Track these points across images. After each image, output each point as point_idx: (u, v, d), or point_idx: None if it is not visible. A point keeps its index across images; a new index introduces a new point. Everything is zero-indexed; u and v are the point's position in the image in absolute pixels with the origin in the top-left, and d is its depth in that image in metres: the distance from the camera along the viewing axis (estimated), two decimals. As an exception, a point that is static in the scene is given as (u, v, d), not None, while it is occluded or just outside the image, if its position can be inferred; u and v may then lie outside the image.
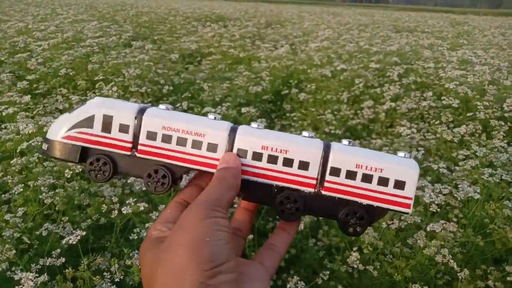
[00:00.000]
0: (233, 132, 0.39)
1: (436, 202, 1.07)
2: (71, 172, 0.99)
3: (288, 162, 0.38)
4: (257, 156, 0.38)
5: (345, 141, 0.40)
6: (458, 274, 1.00)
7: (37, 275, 0.76)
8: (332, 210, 0.39)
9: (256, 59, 3.03)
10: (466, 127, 1.55)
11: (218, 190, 0.36)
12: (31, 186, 1.00)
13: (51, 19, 3.99)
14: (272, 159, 0.38)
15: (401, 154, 0.40)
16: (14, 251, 0.80)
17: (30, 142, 1.10)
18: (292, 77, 2.62)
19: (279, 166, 0.38)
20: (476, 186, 1.06)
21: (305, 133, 0.40)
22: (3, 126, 1.30)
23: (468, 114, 1.71)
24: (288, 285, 1.00)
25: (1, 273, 0.81)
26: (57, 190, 0.93)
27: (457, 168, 1.38)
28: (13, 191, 0.96)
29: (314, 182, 0.39)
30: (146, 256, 0.35)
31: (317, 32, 4.17)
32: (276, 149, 0.38)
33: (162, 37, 3.69)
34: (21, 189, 0.92)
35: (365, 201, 0.39)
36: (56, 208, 0.95)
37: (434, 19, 7.30)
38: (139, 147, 0.38)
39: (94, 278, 0.77)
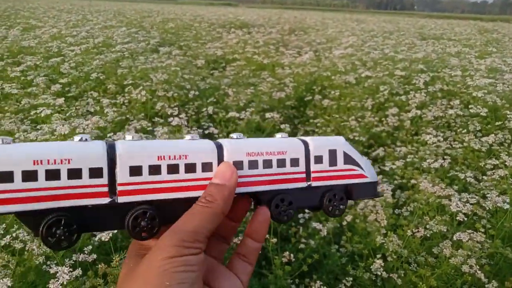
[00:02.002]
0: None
1: (463, 211, 1.06)
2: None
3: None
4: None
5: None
6: (486, 286, 0.98)
7: (71, 269, 0.80)
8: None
9: (280, 66, 3.05)
10: (494, 136, 1.52)
11: (200, 219, 0.32)
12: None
13: (82, 25, 4.14)
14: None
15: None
16: (50, 246, 0.84)
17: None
18: (315, 83, 2.63)
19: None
20: (506, 196, 1.04)
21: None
22: (38, 127, 1.36)
23: (497, 123, 1.68)
24: (311, 290, 1.01)
25: (38, 266, 0.85)
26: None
27: (484, 177, 1.36)
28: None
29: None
30: (124, 264, 0.34)
31: (340, 39, 4.17)
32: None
33: (188, 43, 3.77)
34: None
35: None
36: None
37: (461, 27, 7.16)
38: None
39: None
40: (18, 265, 0.84)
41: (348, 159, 0.42)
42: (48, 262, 0.86)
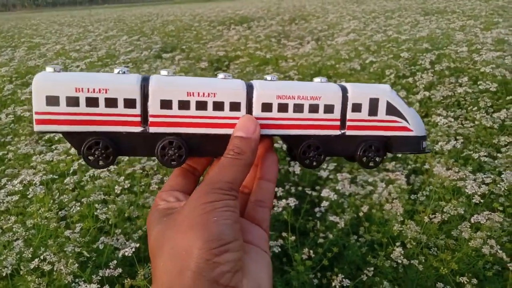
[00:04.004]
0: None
1: (479, 193, 1.05)
2: (120, 187, 1.05)
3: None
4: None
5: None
6: (509, 265, 0.98)
7: (98, 286, 0.83)
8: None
9: (283, 58, 3.04)
10: (506, 111, 1.50)
11: (233, 170, 0.34)
12: (85, 202, 1.07)
13: (84, 37, 4.18)
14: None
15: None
16: (76, 265, 0.88)
17: (80, 161, 1.18)
18: (320, 73, 2.62)
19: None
20: (521, 174, 1.03)
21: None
22: (53, 147, 1.39)
23: (508, 98, 1.65)
24: (333, 283, 1.02)
25: (67, 285, 0.88)
26: (109, 206, 1.00)
27: (499, 155, 1.35)
28: (70, 209, 1.04)
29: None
30: (153, 229, 0.34)
31: (342, 24, 4.12)
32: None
33: (189, 45, 3.78)
34: (78, 207, 1.00)
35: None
36: (110, 222, 1.02)
37: (465, -3, 6.98)
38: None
39: (150, 287, 0.82)
40: (48, 286, 0.87)
41: (391, 110, 0.40)
42: (77, 280, 0.89)
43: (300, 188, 1.42)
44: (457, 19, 3.52)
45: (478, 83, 1.73)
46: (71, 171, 1.14)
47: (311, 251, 1.10)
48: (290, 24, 5.12)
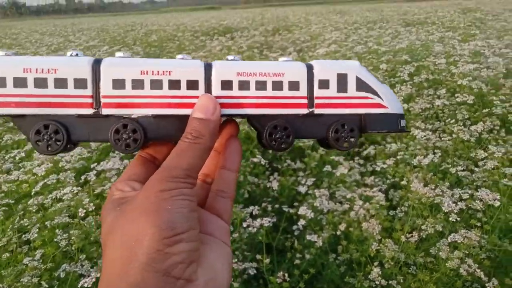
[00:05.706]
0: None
1: (455, 211, 1.03)
2: (85, 210, 1.00)
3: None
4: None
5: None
6: (487, 285, 0.96)
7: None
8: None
9: (265, 69, 3.03)
10: (483, 124, 1.50)
11: (190, 156, 0.32)
12: (49, 226, 1.02)
13: (64, 47, 4.11)
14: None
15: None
16: (34, 297, 0.82)
17: (45, 181, 1.13)
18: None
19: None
20: (496, 193, 1.02)
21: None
22: (20, 165, 1.33)
23: (485, 110, 1.66)
24: (310, 307, 0.98)
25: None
26: (71, 232, 0.94)
27: (476, 169, 1.34)
28: (31, 233, 0.99)
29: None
30: (106, 219, 0.32)
31: (324, 35, 4.14)
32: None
33: (171, 55, 3.74)
34: (37, 233, 0.94)
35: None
36: (73, 248, 0.96)
37: (444, 8, 7.14)
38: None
39: None
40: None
41: (362, 85, 0.38)
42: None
43: (277, 206, 1.39)
44: (436, 30, 3.58)
45: (456, 95, 1.73)
46: (32, 193, 1.09)
47: (286, 275, 1.06)
48: (273, 35, 5.13)
